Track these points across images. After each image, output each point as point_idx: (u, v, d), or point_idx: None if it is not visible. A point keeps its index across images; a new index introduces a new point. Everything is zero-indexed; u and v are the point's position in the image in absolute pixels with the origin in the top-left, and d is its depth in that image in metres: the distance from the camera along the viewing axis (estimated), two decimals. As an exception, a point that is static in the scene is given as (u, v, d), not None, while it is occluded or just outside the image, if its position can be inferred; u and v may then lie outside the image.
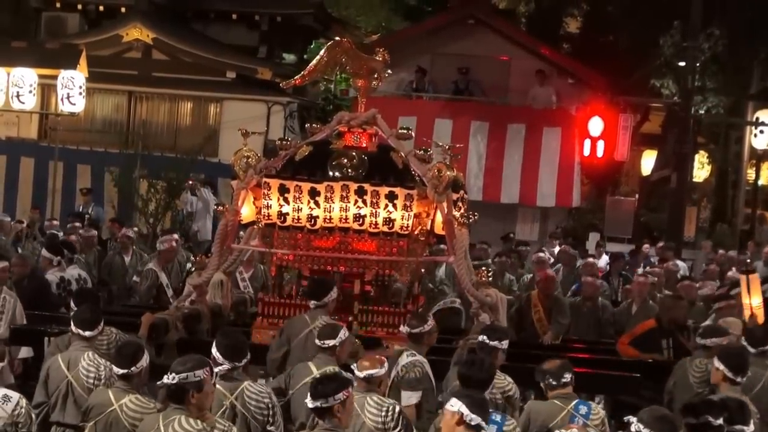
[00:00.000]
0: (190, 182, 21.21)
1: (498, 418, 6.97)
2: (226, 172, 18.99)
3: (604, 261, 18.72)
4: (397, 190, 9.81)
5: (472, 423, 6.04)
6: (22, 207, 22.70)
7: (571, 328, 13.00)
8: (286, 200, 9.96)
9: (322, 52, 10.66)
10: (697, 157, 28.78)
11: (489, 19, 24.73)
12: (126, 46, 25.40)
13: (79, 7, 26.29)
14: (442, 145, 10.25)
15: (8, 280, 11.16)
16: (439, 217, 10.14)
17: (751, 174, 30.67)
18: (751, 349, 9.16)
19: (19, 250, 15.48)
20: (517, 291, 14.38)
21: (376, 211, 9.86)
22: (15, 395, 7.09)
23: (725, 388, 7.92)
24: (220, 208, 10.81)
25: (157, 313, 10.11)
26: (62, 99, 21.72)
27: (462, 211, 10.19)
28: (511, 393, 8.01)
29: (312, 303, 9.34)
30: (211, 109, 25.64)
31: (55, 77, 21.84)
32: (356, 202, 9.87)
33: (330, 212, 9.93)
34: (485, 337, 8.29)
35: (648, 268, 16.17)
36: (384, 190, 9.83)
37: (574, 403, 7.53)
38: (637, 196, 28.71)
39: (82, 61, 22.22)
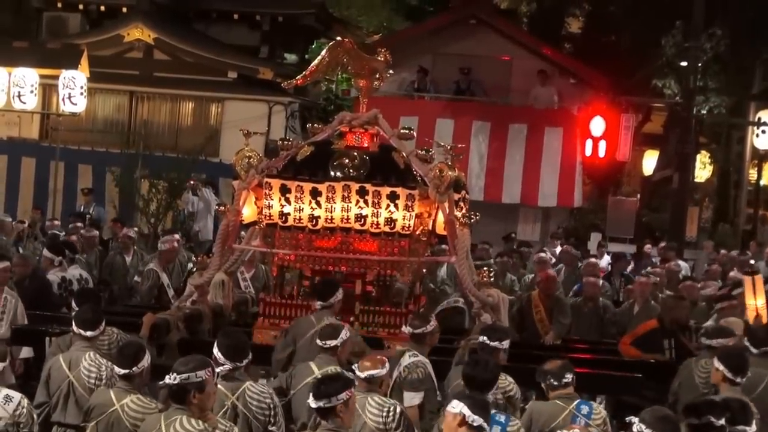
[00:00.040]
0: (192, 182, 21.20)
1: (502, 418, 6.98)
2: (227, 172, 18.97)
3: (605, 261, 18.71)
4: (398, 190, 9.80)
5: (475, 424, 6.04)
6: (24, 207, 22.70)
7: (572, 329, 12.99)
8: (288, 200, 9.96)
9: (323, 53, 10.65)
10: (699, 157, 28.74)
11: (491, 19, 24.71)
12: (127, 46, 25.39)
13: (81, 7, 26.26)
14: (443, 145, 10.25)
15: (9, 280, 11.15)
16: (440, 218, 10.12)
17: (753, 174, 30.61)
18: (754, 350, 9.15)
19: (21, 250, 15.48)
20: (519, 291, 14.36)
21: (377, 211, 9.85)
22: (17, 395, 7.10)
23: (725, 389, 7.91)
24: (222, 208, 10.80)
25: (159, 313, 10.10)
26: (63, 99, 21.73)
27: (464, 211, 10.18)
28: (512, 393, 8.01)
29: (318, 304, 9.35)
30: (213, 109, 25.63)
31: (56, 77, 21.86)
32: (358, 202, 9.86)
33: (331, 212, 9.92)
34: (486, 338, 8.30)
35: (649, 269, 16.16)
36: (385, 190, 9.82)
37: (575, 403, 7.54)
38: (638, 196, 28.66)
39: (84, 61, 22.23)
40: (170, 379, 6.34)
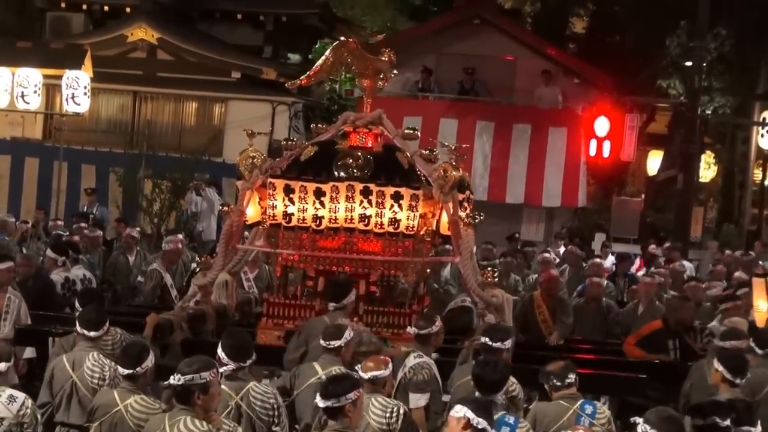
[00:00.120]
0: (195, 182, 21.20)
1: (511, 420, 6.99)
2: (230, 172, 18.99)
3: (609, 261, 18.69)
4: (402, 190, 9.77)
5: (479, 426, 6.04)
6: (27, 207, 22.71)
7: (576, 329, 12.98)
8: (291, 200, 9.93)
9: (327, 53, 10.63)
10: (703, 157, 28.70)
11: (495, 19, 24.69)
12: (131, 46, 25.41)
13: (84, 7, 26.28)
14: (448, 145, 10.23)
15: (13, 280, 11.14)
16: (444, 218, 10.10)
17: (757, 174, 30.60)
18: (758, 351, 9.15)
19: (24, 251, 15.47)
20: (523, 292, 14.34)
21: (381, 212, 9.83)
22: (20, 395, 7.10)
23: (724, 390, 7.91)
24: (225, 208, 10.78)
25: (162, 313, 10.08)
26: (67, 99, 21.71)
27: (468, 211, 10.15)
28: (515, 394, 8.00)
29: (331, 305, 9.34)
30: (216, 109, 25.63)
31: (59, 77, 21.84)
32: (361, 202, 9.84)
33: (335, 212, 9.90)
34: (488, 339, 8.29)
35: (653, 269, 16.14)
36: (389, 190, 9.79)
37: (579, 403, 7.53)
38: (643, 196, 28.61)
39: (87, 61, 22.21)
40: (174, 379, 6.34)
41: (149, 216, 20.72)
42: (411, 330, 8.75)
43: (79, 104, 21.77)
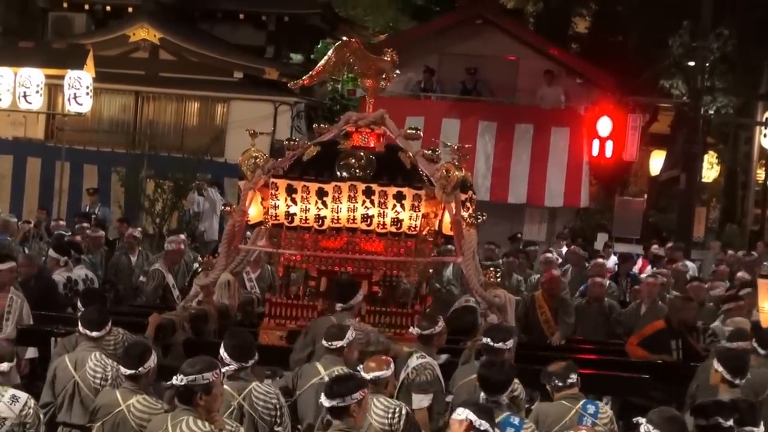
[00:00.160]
0: (197, 182, 21.19)
1: (516, 421, 7.00)
2: (232, 172, 19.02)
3: (612, 261, 18.68)
4: (405, 190, 9.76)
5: (482, 428, 6.05)
6: (29, 207, 22.73)
7: (578, 329, 12.97)
8: (294, 200, 9.92)
9: (330, 53, 10.62)
10: (706, 157, 28.69)
11: (497, 18, 24.68)
12: (133, 46, 25.40)
13: (86, 7, 26.27)
14: (450, 145, 10.22)
15: (15, 280, 11.12)
16: (447, 218, 10.08)
17: (760, 174, 30.63)
18: (761, 351, 9.13)
19: (26, 251, 15.46)
20: (525, 292, 14.33)
21: (383, 212, 9.82)
22: (23, 395, 7.12)
23: (724, 390, 7.87)
24: (228, 208, 10.77)
25: (164, 313, 10.08)
26: (69, 99, 21.69)
27: (470, 211, 10.14)
28: (516, 394, 7.97)
29: (338, 305, 9.32)
30: (218, 109, 25.62)
31: (62, 77, 21.82)
32: (364, 202, 9.82)
33: (338, 212, 9.88)
34: (489, 340, 8.29)
35: (655, 269, 16.14)
36: (392, 190, 9.78)
37: (581, 403, 7.52)
38: (645, 196, 28.60)
39: (89, 61, 22.20)
40: (177, 380, 6.35)
41: (151, 216, 20.72)
42: (414, 330, 8.75)
43: (81, 104, 21.75)
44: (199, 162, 21.23)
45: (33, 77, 21.66)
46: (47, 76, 21.92)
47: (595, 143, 23.49)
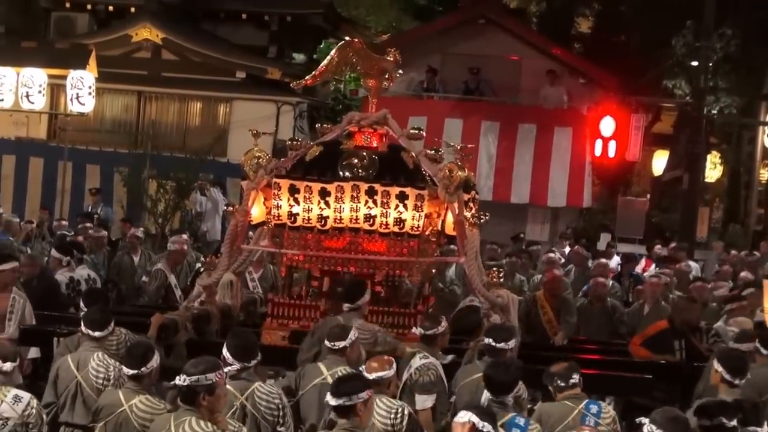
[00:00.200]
0: (200, 182, 21.19)
1: (521, 422, 7.00)
2: (234, 172, 19.00)
3: (615, 262, 18.65)
4: (407, 190, 9.75)
5: (485, 430, 6.03)
6: (31, 207, 22.72)
7: (581, 329, 12.96)
8: (297, 200, 9.92)
9: (332, 53, 10.61)
10: (709, 157, 28.62)
11: (500, 18, 24.68)
12: (135, 46, 25.40)
13: (89, 7, 26.26)
14: (453, 145, 10.20)
15: (18, 280, 11.12)
16: (449, 218, 10.07)
17: (763, 174, 30.58)
18: (764, 351, 9.10)
19: (29, 251, 15.46)
20: (528, 292, 14.32)
21: (386, 212, 9.81)
22: (26, 395, 7.13)
23: (723, 390, 7.86)
24: (230, 208, 10.77)
25: (167, 313, 10.07)
26: (71, 99, 21.71)
27: (473, 211, 10.13)
28: (519, 394, 7.96)
29: (346, 305, 9.32)
30: (221, 109, 25.62)
31: (64, 77, 21.83)
32: (366, 202, 9.81)
33: (340, 212, 9.87)
34: (491, 340, 8.30)
35: (657, 269, 16.11)
36: (394, 190, 9.77)
37: (584, 402, 7.52)
38: (648, 196, 28.59)
39: (92, 61, 22.21)
40: (180, 380, 6.35)
41: (154, 216, 20.71)
42: (417, 331, 8.75)
43: (83, 104, 21.77)
44: (201, 162, 21.23)
45: (35, 77, 21.68)
46: (50, 76, 21.94)
47: (598, 143, 23.47)
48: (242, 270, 11.09)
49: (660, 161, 28.97)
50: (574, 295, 14.13)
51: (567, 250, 19.00)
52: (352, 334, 8.07)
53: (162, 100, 25.82)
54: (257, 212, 10.39)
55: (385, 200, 9.78)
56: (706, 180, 28.46)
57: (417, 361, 8.32)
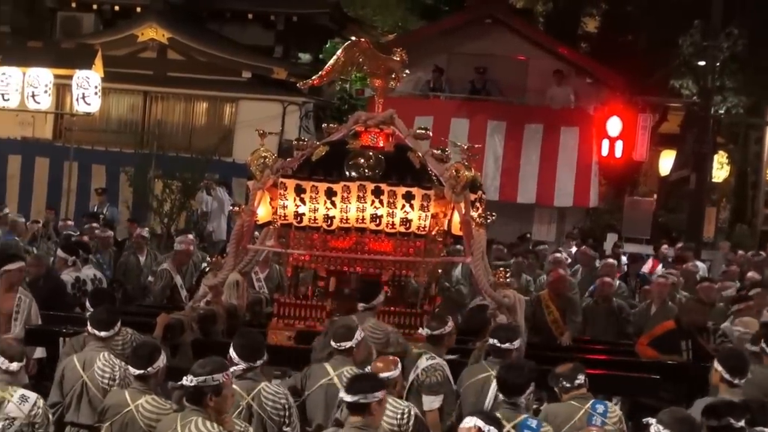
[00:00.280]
0: (206, 181, 21.18)
1: (533, 424, 6.99)
2: (240, 171, 19.00)
3: (622, 262, 18.63)
4: (414, 190, 9.73)
5: None
6: (37, 207, 22.74)
7: (588, 329, 12.95)
8: (303, 200, 9.89)
9: (339, 52, 10.59)
10: (716, 157, 28.62)
11: (506, 18, 24.66)
12: (141, 46, 25.41)
13: (95, 6, 26.28)
14: (460, 145, 10.18)
15: (23, 280, 11.13)
16: (456, 218, 10.05)
17: (770, 174, 30.54)
18: (769, 351, 9.08)
19: (34, 250, 15.46)
20: (534, 292, 14.31)
21: (392, 212, 9.78)
22: (32, 395, 7.15)
23: (724, 390, 7.83)
24: (236, 208, 10.76)
25: (173, 313, 10.06)
26: (77, 99, 21.71)
27: (480, 211, 10.10)
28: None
29: (360, 305, 9.31)
30: (227, 109, 25.62)
31: (70, 77, 21.83)
32: (373, 202, 9.79)
33: (346, 212, 9.85)
34: (496, 341, 8.30)
35: (664, 269, 16.10)
36: (401, 190, 9.74)
37: (590, 402, 7.50)
38: (655, 196, 28.54)
39: (98, 61, 22.21)
40: (187, 381, 6.35)
41: (159, 216, 20.71)
42: (423, 331, 8.73)
43: (89, 104, 21.76)
44: (207, 162, 21.21)
45: (41, 77, 21.69)
46: (56, 76, 21.94)
47: (605, 143, 23.47)
48: (248, 270, 11.07)
49: (667, 161, 28.93)
50: (581, 295, 14.10)
51: (573, 250, 18.99)
52: (358, 335, 8.06)
53: (168, 100, 25.83)
54: (263, 212, 10.38)
55: (391, 200, 9.76)
56: (713, 180, 28.45)
57: (424, 362, 8.31)
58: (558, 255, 16.08)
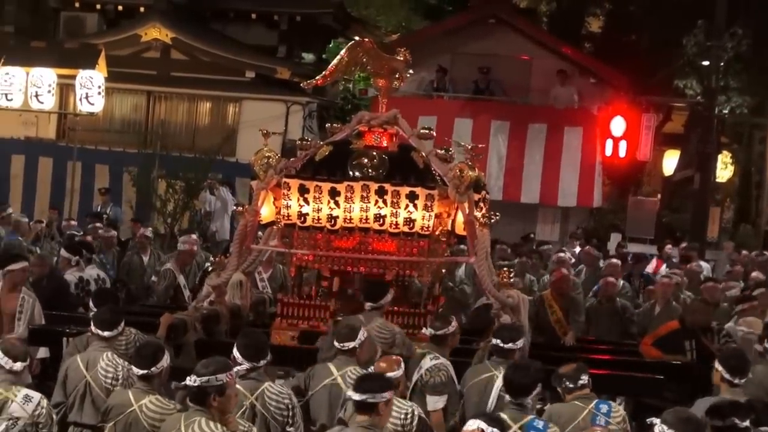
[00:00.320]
0: (209, 181, 21.18)
1: (540, 425, 6.97)
2: (243, 171, 19.00)
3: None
4: (417, 190, 9.73)
5: None
6: (40, 207, 22.73)
7: (591, 329, 12.93)
8: (306, 200, 9.89)
9: (343, 52, 10.60)
10: (720, 157, 28.56)
11: (510, 18, 24.66)
12: (145, 46, 25.39)
13: (98, 6, 26.27)
14: (463, 144, 10.18)
15: (27, 280, 11.12)
16: (460, 218, 10.04)
17: (775, 174, 30.47)
18: (773, 350, 9.08)
19: (38, 250, 15.46)
20: (538, 292, 14.29)
21: (396, 212, 9.78)
22: (36, 395, 7.15)
23: (724, 390, 7.82)
24: (239, 208, 10.76)
25: (176, 313, 10.05)
26: (81, 99, 21.70)
27: (483, 211, 10.10)
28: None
29: (368, 305, 9.32)
30: (230, 108, 25.61)
31: (73, 77, 21.81)
32: (377, 202, 9.79)
33: (350, 212, 9.85)
34: (499, 341, 8.29)
35: (667, 269, 16.08)
36: (405, 190, 9.75)
37: (594, 402, 7.48)
38: (659, 196, 28.49)
39: (101, 61, 22.19)
40: (191, 381, 6.34)
41: (163, 216, 20.70)
42: (427, 331, 8.72)
43: (93, 104, 21.75)
44: (210, 162, 21.22)
45: (45, 77, 21.68)
46: (59, 76, 21.93)
47: (609, 143, 23.45)
48: (251, 270, 11.07)
49: (671, 161, 28.87)
50: (585, 295, 14.09)
51: (577, 250, 18.96)
52: (361, 335, 8.05)
53: (171, 100, 25.82)
54: (267, 212, 10.38)
55: (395, 200, 9.76)
56: (717, 180, 28.40)
57: (428, 362, 8.30)
58: (562, 255, 16.05)
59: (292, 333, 10.05)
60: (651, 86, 26.31)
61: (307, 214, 9.93)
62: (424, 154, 10.11)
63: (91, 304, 9.50)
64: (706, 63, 25.46)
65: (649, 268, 18.06)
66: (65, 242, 15.06)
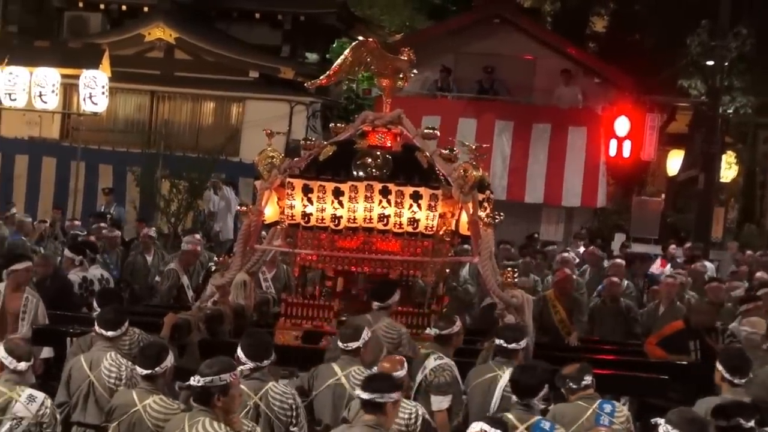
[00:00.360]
0: (213, 180, 21.18)
1: (547, 426, 6.97)
2: (247, 171, 19.01)
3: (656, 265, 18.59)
4: (421, 190, 9.72)
5: None
6: (44, 207, 22.74)
7: (595, 329, 12.92)
8: (310, 200, 9.89)
9: (346, 52, 10.60)
10: (724, 157, 28.56)
11: (514, 17, 24.62)
12: (148, 46, 25.44)
13: (102, 6, 26.34)
14: (467, 144, 10.16)
15: (31, 280, 11.13)
16: (464, 217, 10.03)
17: (779, 174, 30.51)
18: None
19: (42, 250, 15.47)
20: (541, 292, 14.28)
21: (400, 211, 9.77)
22: (40, 395, 7.16)
23: (726, 389, 7.81)
24: (243, 208, 10.76)
25: (180, 313, 10.05)
26: (84, 99, 21.71)
27: (488, 211, 10.08)
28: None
29: (375, 304, 9.33)
30: (234, 108, 25.64)
31: (77, 77, 21.84)
32: (380, 202, 9.78)
33: (354, 212, 9.85)
34: (502, 341, 8.29)
35: (672, 269, 16.07)
36: (408, 190, 9.74)
37: (598, 402, 7.49)
38: (663, 196, 28.45)
39: (105, 61, 22.21)
40: (195, 381, 6.34)
41: (166, 216, 20.70)
42: (431, 331, 8.71)
43: (96, 104, 21.76)
44: (214, 162, 21.21)
45: (48, 77, 21.69)
46: (63, 76, 21.95)
47: (613, 143, 23.41)
48: (255, 270, 11.08)
49: (675, 161, 28.86)
50: (589, 295, 14.08)
51: (581, 250, 18.94)
52: (365, 335, 8.04)
53: (175, 100, 25.85)
54: (270, 212, 10.37)
55: (399, 200, 9.75)
56: (722, 180, 28.39)
57: (432, 362, 8.29)
58: (566, 255, 16.03)
59: (296, 333, 10.05)
60: (655, 86, 26.27)
61: (311, 214, 9.92)
62: (428, 153, 10.11)
63: (94, 304, 9.50)
64: (710, 63, 25.45)
65: (654, 269, 18.04)
66: (69, 242, 15.08)
